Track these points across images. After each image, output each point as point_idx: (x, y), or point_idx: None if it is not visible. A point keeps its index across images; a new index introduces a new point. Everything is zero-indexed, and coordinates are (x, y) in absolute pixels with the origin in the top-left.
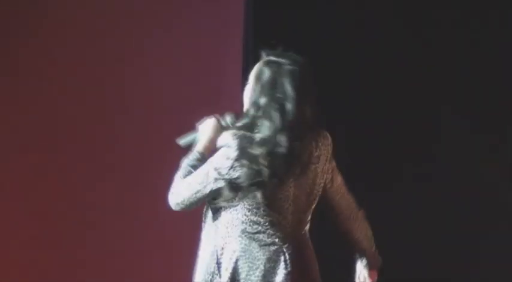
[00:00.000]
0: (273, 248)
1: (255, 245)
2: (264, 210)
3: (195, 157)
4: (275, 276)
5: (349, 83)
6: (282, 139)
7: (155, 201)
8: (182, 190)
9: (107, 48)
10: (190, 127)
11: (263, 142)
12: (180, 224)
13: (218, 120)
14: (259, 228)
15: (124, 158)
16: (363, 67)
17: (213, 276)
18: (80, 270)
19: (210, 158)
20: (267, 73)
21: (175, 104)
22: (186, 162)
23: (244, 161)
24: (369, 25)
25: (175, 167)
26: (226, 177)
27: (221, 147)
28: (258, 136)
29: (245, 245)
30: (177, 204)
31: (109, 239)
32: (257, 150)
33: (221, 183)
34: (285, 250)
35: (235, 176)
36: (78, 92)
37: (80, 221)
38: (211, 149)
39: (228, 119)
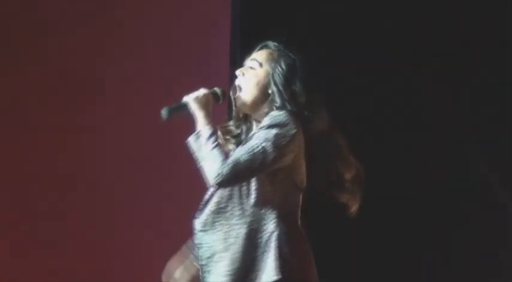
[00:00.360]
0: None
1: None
2: (296, 193)
3: (214, 135)
4: None
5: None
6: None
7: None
8: (238, 168)
9: None
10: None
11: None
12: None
13: (213, 93)
14: (291, 209)
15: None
16: (346, 63)
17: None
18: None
19: (260, 134)
20: (299, 66)
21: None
22: (216, 142)
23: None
24: (353, 22)
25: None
26: (283, 152)
27: (272, 124)
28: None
29: (281, 227)
30: (235, 180)
31: (110, 240)
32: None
33: (277, 160)
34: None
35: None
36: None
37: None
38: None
39: (219, 91)
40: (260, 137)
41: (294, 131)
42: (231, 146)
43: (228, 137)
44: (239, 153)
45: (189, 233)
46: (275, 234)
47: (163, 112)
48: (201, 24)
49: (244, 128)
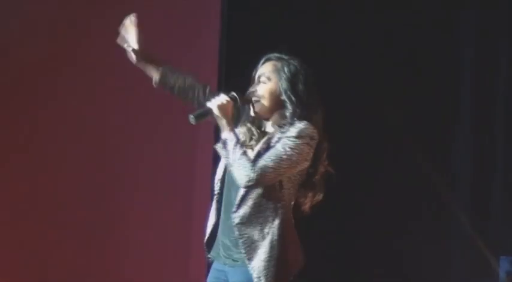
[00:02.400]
0: None
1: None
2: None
3: (238, 141)
4: None
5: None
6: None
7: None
8: (265, 174)
9: None
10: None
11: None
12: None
13: (232, 98)
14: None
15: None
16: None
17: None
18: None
19: (287, 143)
20: (301, 77)
21: None
22: (242, 149)
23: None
24: (337, 24)
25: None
26: (305, 161)
27: (299, 135)
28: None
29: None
30: (263, 183)
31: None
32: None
33: (300, 167)
34: None
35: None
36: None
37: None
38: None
39: (237, 95)
40: (286, 145)
41: (315, 142)
42: (251, 142)
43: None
44: (267, 159)
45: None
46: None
47: (191, 118)
48: (192, 16)
49: (256, 127)
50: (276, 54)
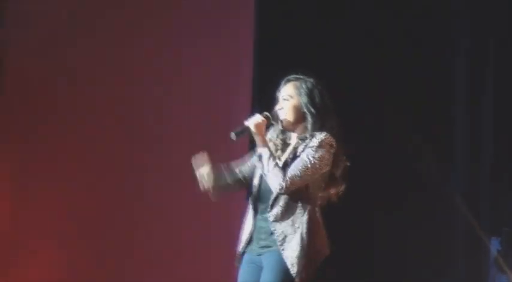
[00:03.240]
0: None
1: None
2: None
3: (272, 155)
4: None
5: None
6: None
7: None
8: (294, 181)
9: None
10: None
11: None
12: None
13: (266, 118)
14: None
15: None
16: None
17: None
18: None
19: (310, 153)
20: (317, 91)
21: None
22: (274, 161)
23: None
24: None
25: None
26: (326, 165)
27: (321, 145)
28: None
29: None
30: (293, 188)
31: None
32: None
33: (322, 172)
34: None
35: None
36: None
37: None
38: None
39: (269, 115)
40: (310, 154)
41: (334, 149)
42: (277, 153)
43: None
44: (295, 168)
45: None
46: (317, 217)
47: (232, 135)
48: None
49: (281, 138)
50: (294, 75)
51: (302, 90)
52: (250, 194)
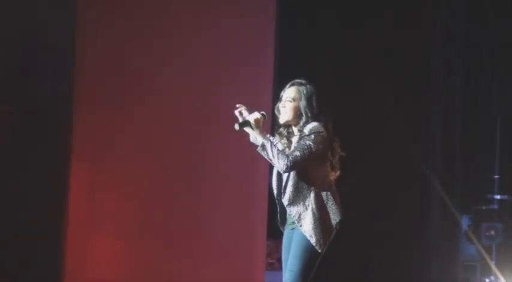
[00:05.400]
0: None
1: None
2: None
3: (273, 143)
4: None
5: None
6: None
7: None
8: (296, 160)
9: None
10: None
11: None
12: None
13: (263, 115)
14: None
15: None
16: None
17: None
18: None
19: (306, 138)
20: (314, 97)
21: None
22: (276, 147)
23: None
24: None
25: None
26: (320, 145)
27: (312, 132)
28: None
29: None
30: (296, 167)
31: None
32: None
33: (318, 150)
34: None
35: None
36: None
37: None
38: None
39: (265, 113)
40: (305, 140)
41: (324, 133)
42: (281, 143)
43: (278, 136)
44: (296, 151)
45: None
46: (322, 194)
47: (236, 126)
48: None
49: (286, 131)
50: (298, 80)
51: (303, 95)
52: (271, 188)
